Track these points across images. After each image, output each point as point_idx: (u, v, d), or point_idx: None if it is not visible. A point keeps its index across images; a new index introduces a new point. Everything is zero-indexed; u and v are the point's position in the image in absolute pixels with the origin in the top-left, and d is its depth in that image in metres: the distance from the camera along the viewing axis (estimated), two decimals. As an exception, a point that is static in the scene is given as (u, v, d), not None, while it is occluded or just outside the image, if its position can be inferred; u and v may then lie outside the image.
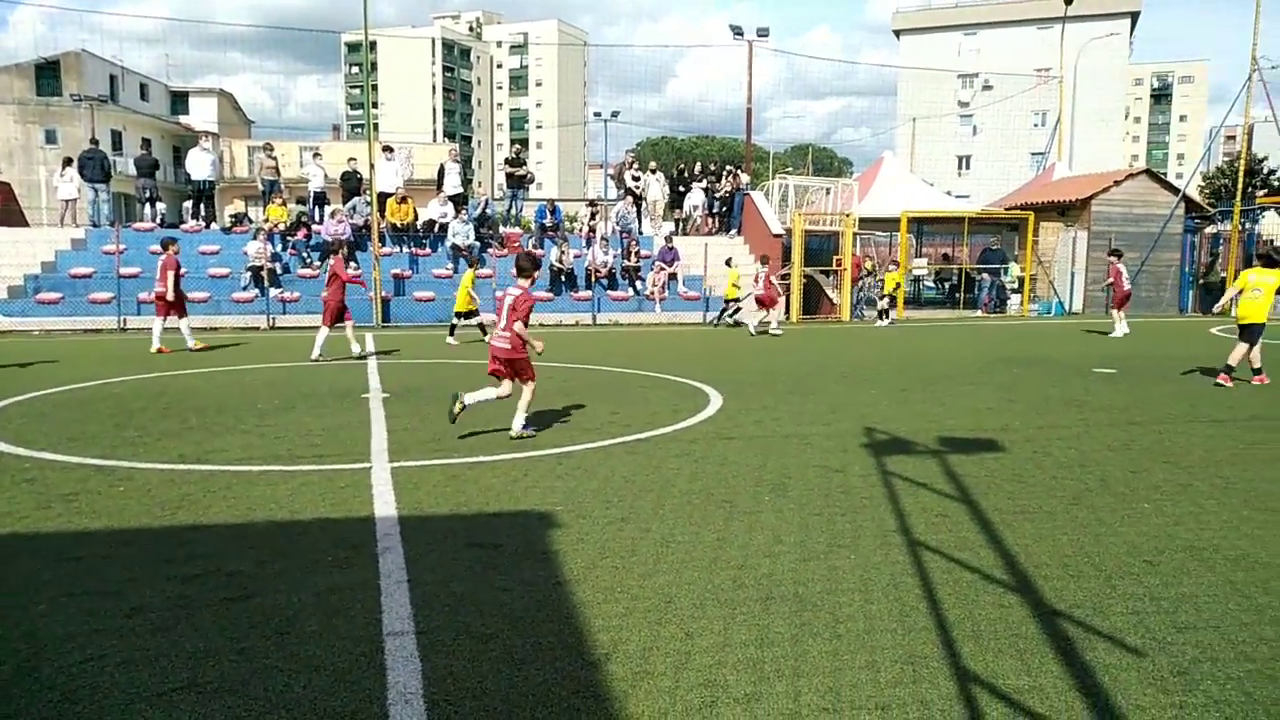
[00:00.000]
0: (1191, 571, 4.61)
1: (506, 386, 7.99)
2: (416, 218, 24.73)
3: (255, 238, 22.44)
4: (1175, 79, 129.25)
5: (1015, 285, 28.54)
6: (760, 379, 12.10)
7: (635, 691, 3.33)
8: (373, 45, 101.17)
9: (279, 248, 23.11)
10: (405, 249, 24.11)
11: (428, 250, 24.38)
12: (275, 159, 25.52)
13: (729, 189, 28.27)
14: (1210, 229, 31.17)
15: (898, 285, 25.18)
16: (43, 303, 20.65)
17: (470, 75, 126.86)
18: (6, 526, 5.36)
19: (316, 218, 24.71)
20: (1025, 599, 4.24)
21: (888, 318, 23.63)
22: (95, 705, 3.23)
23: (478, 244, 24.18)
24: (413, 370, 13.22)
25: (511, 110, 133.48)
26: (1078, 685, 3.38)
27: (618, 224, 26.29)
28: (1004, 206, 30.91)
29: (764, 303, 20.08)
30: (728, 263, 23.10)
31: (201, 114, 60.78)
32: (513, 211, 27.24)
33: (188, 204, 25.74)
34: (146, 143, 26.27)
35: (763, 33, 35.36)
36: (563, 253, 24.00)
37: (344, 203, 24.45)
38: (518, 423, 7.94)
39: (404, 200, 24.36)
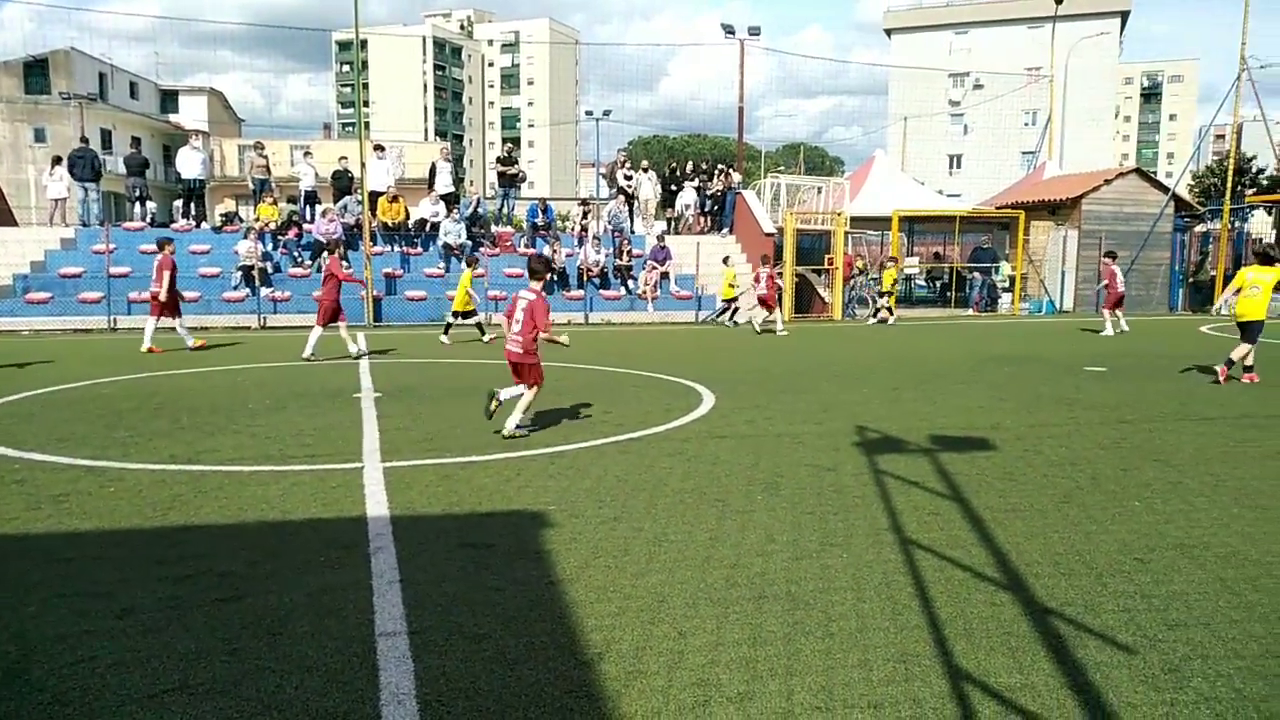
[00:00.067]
0: (1182, 569, 4.63)
1: (522, 388, 8.08)
2: (408, 217, 24.69)
3: (246, 237, 22.36)
4: (1165, 78, 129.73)
5: (1006, 284, 28.61)
6: (752, 378, 12.12)
7: (628, 691, 3.33)
8: (364, 43, 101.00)
9: (270, 247, 23.04)
10: (397, 248, 24.05)
11: (419, 249, 24.33)
12: (266, 158, 25.44)
13: (721, 188, 28.28)
14: (1200, 228, 31.31)
15: (895, 282, 25.23)
16: (32, 302, 20.55)
17: (461, 74, 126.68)
18: (-4, 527, 5.33)
19: (307, 217, 24.64)
20: (1017, 597, 4.25)
21: (891, 315, 23.57)
22: (86, 707, 3.21)
23: (469, 243, 24.15)
24: (405, 369, 13.19)
25: (503, 109, 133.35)
26: (1069, 683, 3.40)
27: (610, 223, 26.28)
28: (995, 205, 30.98)
29: (766, 302, 20.16)
30: (725, 261, 23.14)
31: (191, 112, 60.50)
32: (504, 210, 27.20)
33: (178, 203, 25.62)
34: (136, 141, 26.14)
35: (754, 31, 35.40)
36: (555, 252, 23.97)
37: (335, 202, 24.39)
38: (511, 422, 7.94)
39: (395, 199, 24.30)
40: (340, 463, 6.98)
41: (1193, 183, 51.84)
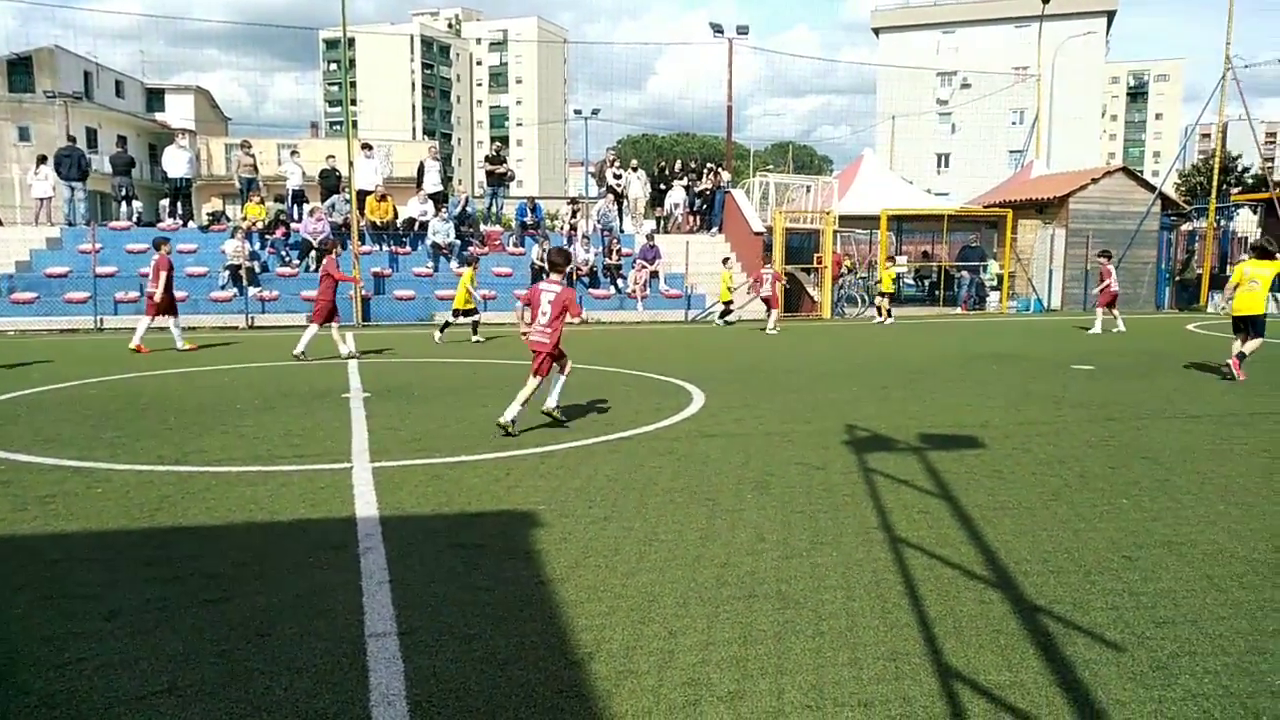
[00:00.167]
0: (1169, 566, 4.66)
1: (534, 383, 8.15)
2: (396, 216, 24.62)
3: (233, 236, 22.27)
4: (1151, 77, 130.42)
5: (994, 283, 28.73)
6: (742, 377, 12.13)
7: (619, 690, 3.33)
8: (351, 42, 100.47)
9: (257, 246, 22.95)
10: (385, 247, 23.98)
11: (408, 249, 24.27)
12: (253, 157, 25.34)
13: (710, 187, 28.30)
14: (1186, 226, 31.50)
15: (894, 281, 25.34)
16: (17, 302, 20.41)
17: (450, 72, 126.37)
18: (-18, 529, 5.30)
19: (295, 216, 24.55)
20: (1006, 595, 4.27)
21: (890, 316, 23.62)
22: (74, 709, 3.19)
23: (459, 242, 24.10)
24: (394, 369, 13.16)
25: (491, 108, 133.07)
26: (1058, 680, 3.41)
27: (599, 222, 26.27)
28: (983, 204, 31.10)
29: (771, 303, 20.25)
30: (724, 263, 23.20)
31: (178, 111, 60.19)
32: (493, 209, 27.16)
33: (164, 202, 25.51)
34: (122, 140, 25.99)
35: (742, 30, 35.46)
36: (544, 251, 23.94)
37: (323, 201, 24.30)
38: (553, 400, 8.23)
39: (383, 198, 24.23)
40: (329, 463, 6.95)
41: (1179, 181, 52.18)
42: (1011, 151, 59.57)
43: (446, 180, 28.68)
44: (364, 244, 23.01)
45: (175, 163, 23.94)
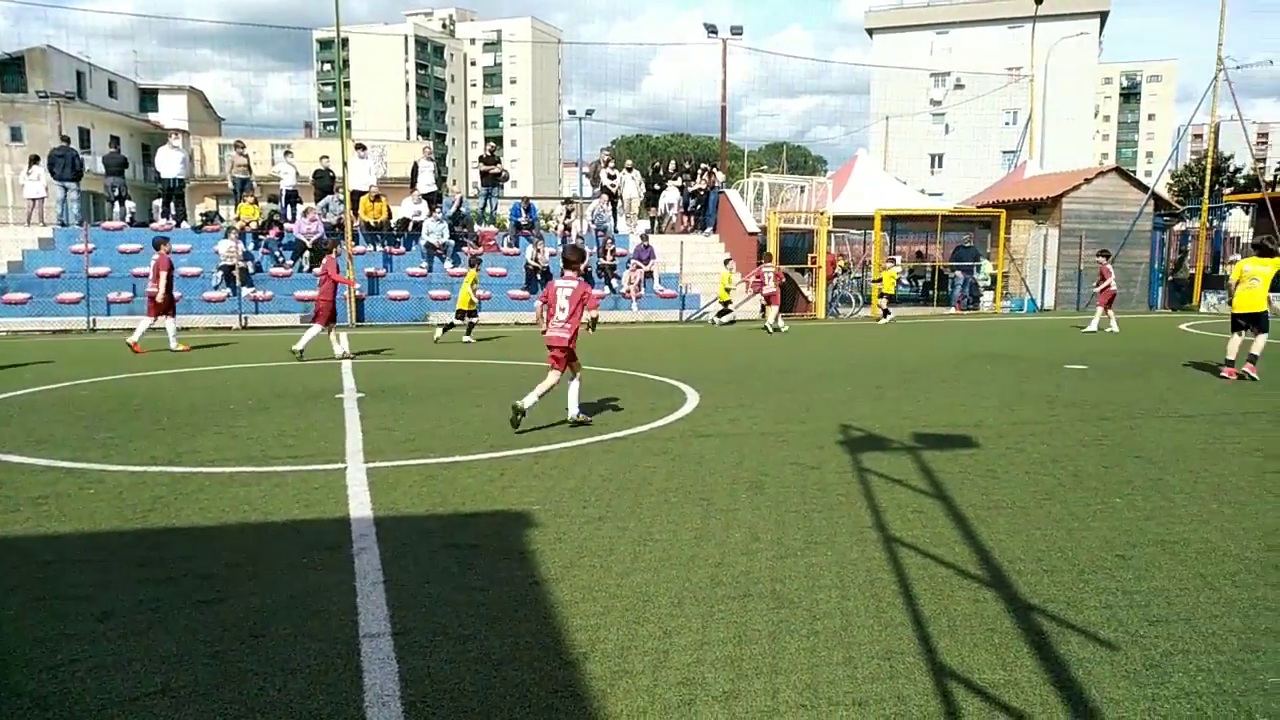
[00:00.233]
0: (1163, 565, 4.67)
1: (554, 377, 8.30)
2: (390, 216, 24.59)
3: (227, 236, 22.22)
4: (1144, 78, 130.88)
5: (988, 282, 28.79)
6: (736, 376, 12.14)
7: (613, 690, 3.33)
8: (344, 42, 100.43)
9: (251, 246, 22.90)
10: (379, 248, 23.95)
11: (402, 249, 24.24)
12: (246, 157, 25.29)
13: (704, 187, 28.31)
14: (1179, 226, 31.58)
15: (896, 282, 25.47)
16: (10, 303, 20.34)
17: (444, 73, 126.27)
18: (-26, 531, 5.28)
19: (289, 216, 24.52)
20: (1000, 594, 4.27)
21: (888, 315, 23.69)
22: (66, 711, 3.18)
23: (452, 242, 24.08)
24: (387, 370, 13.14)
25: (485, 108, 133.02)
26: (1052, 679, 3.42)
27: (593, 222, 26.27)
28: (976, 204, 31.18)
29: (772, 300, 20.32)
30: (726, 264, 23.25)
31: (171, 111, 60.02)
32: (487, 210, 27.15)
33: (158, 202, 25.46)
34: (115, 140, 25.95)
35: (736, 31, 35.42)
36: (538, 251, 23.94)
37: (316, 201, 24.27)
38: (573, 408, 8.37)
39: (378, 198, 24.20)
40: (323, 463, 6.94)
41: (1171, 182, 52.35)
42: (1005, 152, 59.71)
43: (441, 180, 28.64)
44: (358, 244, 22.97)
45: (168, 163, 23.88)
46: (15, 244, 22.91)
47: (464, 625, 3.89)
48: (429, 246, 23.75)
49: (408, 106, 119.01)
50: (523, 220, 25.75)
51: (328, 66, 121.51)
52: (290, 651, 3.63)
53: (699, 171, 29.13)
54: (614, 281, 24.50)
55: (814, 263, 25.41)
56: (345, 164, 22.44)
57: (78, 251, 21.61)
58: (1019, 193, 30.52)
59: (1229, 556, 4.81)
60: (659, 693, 3.31)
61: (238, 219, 23.76)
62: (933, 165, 74.11)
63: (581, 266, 8.74)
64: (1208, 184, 30.62)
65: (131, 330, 15.64)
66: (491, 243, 25.38)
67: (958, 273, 28.26)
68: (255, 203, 24.12)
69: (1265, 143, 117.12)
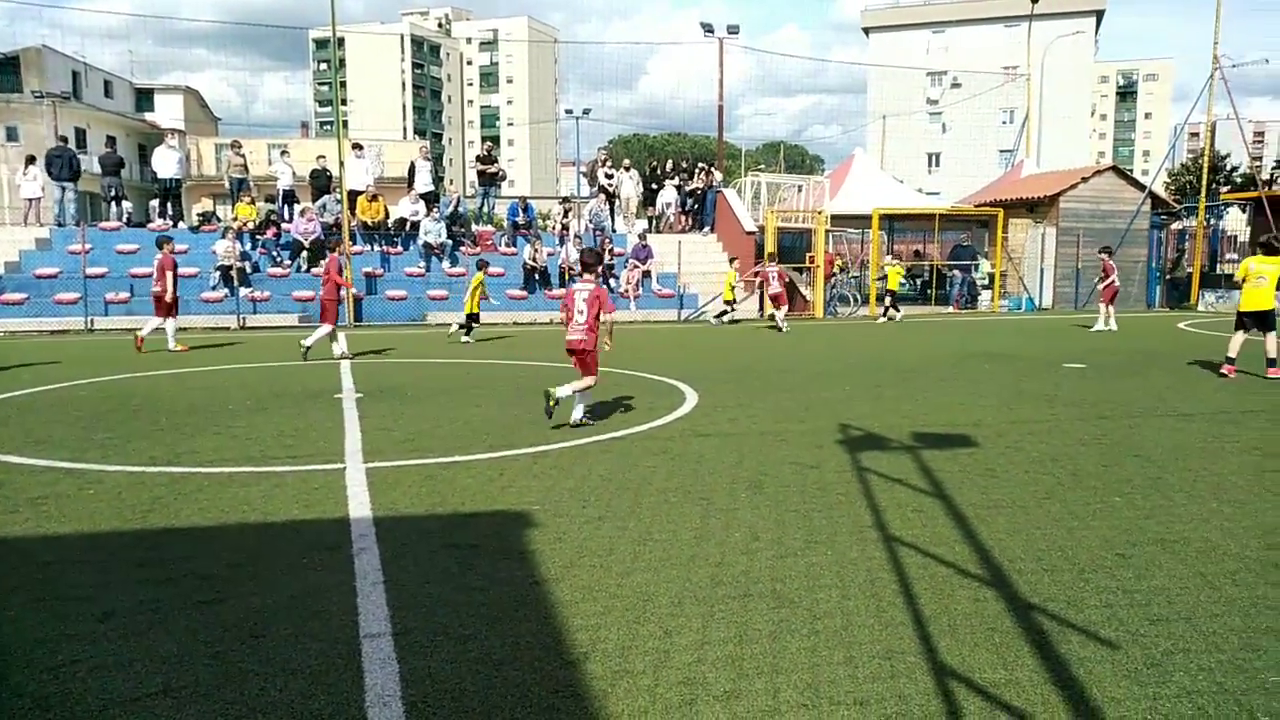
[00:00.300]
0: (1163, 564, 4.67)
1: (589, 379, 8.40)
2: (387, 216, 24.57)
3: (224, 236, 22.21)
4: (1140, 77, 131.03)
5: (986, 281, 28.81)
6: (735, 376, 12.14)
7: (614, 690, 3.33)
8: (341, 42, 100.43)
9: (248, 246, 22.88)
10: (376, 247, 23.94)
11: (399, 249, 24.23)
12: (243, 157, 25.27)
13: (701, 186, 28.31)
14: (1176, 225, 31.63)
15: (901, 281, 25.54)
16: (7, 304, 20.31)
17: (440, 72, 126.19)
18: (-28, 531, 5.27)
19: (286, 216, 24.50)
20: (1000, 593, 4.27)
21: (898, 312, 23.70)
22: (67, 711, 3.18)
23: (450, 241, 24.07)
24: (386, 370, 13.13)
25: (482, 107, 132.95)
26: (1053, 678, 3.42)
27: (591, 221, 26.26)
28: (973, 203, 31.19)
29: (779, 300, 20.35)
30: (731, 263, 23.28)
31: (167, 111, 60.00)
32: (485, 209, 27.14)
33: (154, 202, 25.45)
34: (111, 140, 25.90)
35: (733, 30, 35.44)
36: (536, 251, 23.94)
37: (314, 201, 24.25)
38: (577, 414, 8.32)
39: (375, 198, 24.19)
40: (322, 464, 6.93)
41: (1168, 180, 52.42)
42: (1002, 151, 59.75)
43: (438, 180, 28.63)
44: (355, 244, 22.95)
45: (165, 163, 23.86)
46: (12, 244, 22.90)
47: (464, 625, 3.89)
48: (426, 246, 23.74)
49: (404, 106, 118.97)
50: (520, 220, 25.74)
51: (324, 66, 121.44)
52: (291, 652, 3.63)
53: (696, 171, 29.13)
54: (612, 281, 24.48)
55: (812, 262, 25.42)
56: (342, 163, 22.42)
57: (75, 252, 21.58)
58: (1016, 192, 30.53)
59: (1229, 555, 4.81)
60: (660, 692, 3.31)
61: (235, 219, 23.74)
62: (930, 164, 74.12)
63: (599, 269, 8.81)
64: (1204, 182, 30.65)
65: (138, 329, 15.79)
66: (489, 242, 25.37)
67: (955, 272, 28.28)
68: (252, 203, 24.11)
69: (1261, 141, 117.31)
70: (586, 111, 67.45)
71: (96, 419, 8.87)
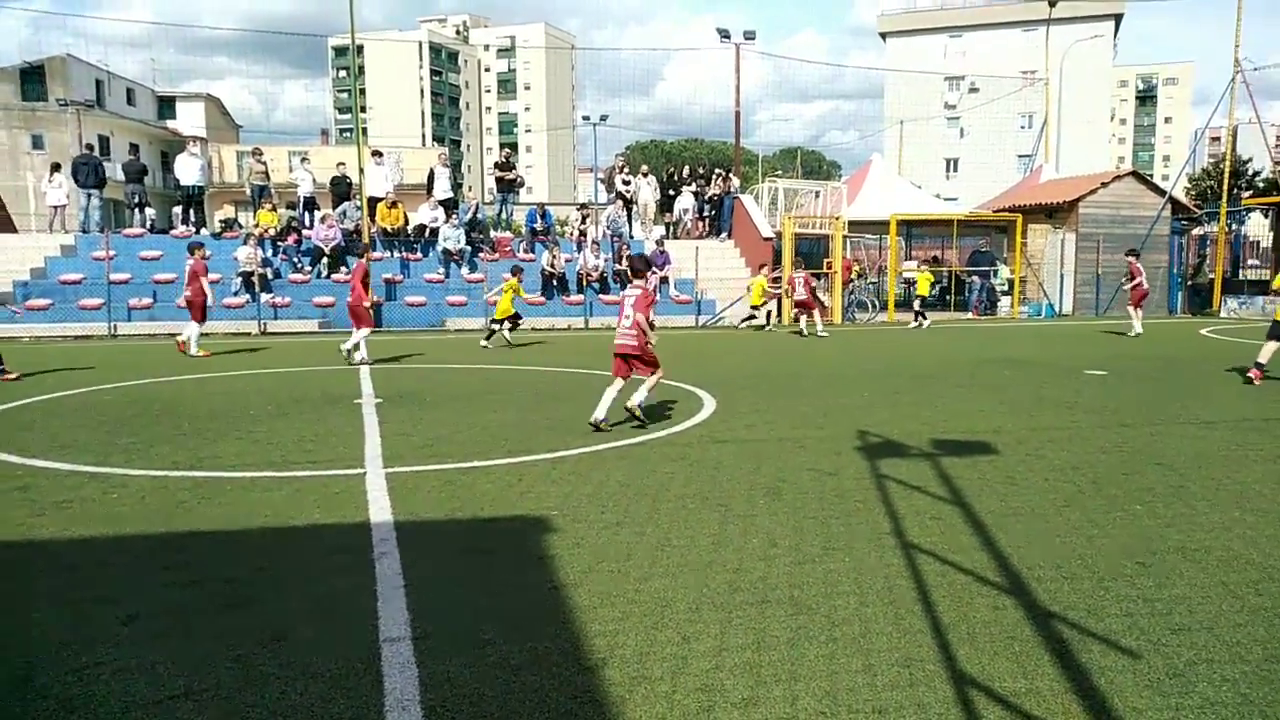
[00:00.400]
0: (1184, 573, 4.63)
1: (619, 385, 8.62)
2: (407, 222, 24.72)
3: (245, 243, 22.38)
4: (1160, 81, 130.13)
5: (1005, 287, 28.65)
6: (752, 382, 12.13)
7: (632, 696, 3.34)
8: (360, 49, 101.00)
9: (269, 253, 23.05)
10: (396, 254, 24.07)
11: (419, 255, 24.35)
12: (264, 164, 25.48)
13: (719, 192, 28.31)
14: (1197, 230, 31.34)
15: (931, 287, 25.48)
16: (32, 309, 20.54)
17: (458, 79, 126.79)
18: (0, 534, 5.34)
19: (306, 222, 24.68)
20: (1019, 601, 4.25)
21: (926, 319, 23.59)
22: (91, 713, 3.22)
23: (469, 248, 24.17)
24: (405, 375, 13.20)
25: (500, 114, 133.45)
26: (1074, 688, 3.40)
27: (608, 228, 26.31)
28: (992, 209, 31.02)
29: (806, 306, 20.30)
30: (760, 269, 23.27)
31: (189, 119, 60.57)
32: (503, 215, 27.25)
33: (177, 209, 25.66)
34: (134, 148, 26.18)
35: (749, 36, 35.40)
36: (554, 257, 24.01)
37: (334, 207, 24.41)
38: (638, 397, 8.54)
39: (394, 205, 24.33)
40: (343, 469, 6.98)
41: (1189, 185, 51.96)
42: (1020, 156, 59.49)
43: (456, 187, 28.75)
44: (375, 250, 23.08)
45: (187, 170, 24.08)
46: (37, 250, 23.17)
47: (483, 630, 3.90)
48: (445, 252, 23.86)
49: (423, 113, 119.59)
50: (538, 226, 25.82)
51: (343, 73, 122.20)
52: (312, 655, 3.66)
53: (714, 177, 29.14)
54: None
55: (829, 268, 25.37)
56: (362, 170, 22.54)
57: (99, 258, 21.82)
58: (1035, 197, 30.36)
59: (1252, 564, 4.77)
60: (678, 699, 3.32)
61: (256, 225, 23.93)
62: (948, 169, 73.82)
63: (648, 275, 9.08)
64: (1226, 187, 30.37)
65: (178, 334, 16.03)
66: (508, 248, 25.46)
67: (974, 278, 28.13)
68: (273, 209, 24.29)
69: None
70: (604, 118, 67.76)
71: (120, 424, 8.96)
